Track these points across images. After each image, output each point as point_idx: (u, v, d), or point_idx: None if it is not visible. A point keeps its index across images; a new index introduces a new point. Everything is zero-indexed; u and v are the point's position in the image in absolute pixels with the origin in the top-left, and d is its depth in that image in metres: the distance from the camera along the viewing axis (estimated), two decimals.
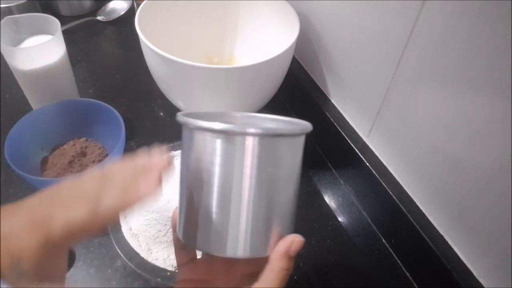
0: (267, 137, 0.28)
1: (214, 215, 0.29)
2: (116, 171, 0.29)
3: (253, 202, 0.28)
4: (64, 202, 0.27)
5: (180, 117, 0.30)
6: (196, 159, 0.29)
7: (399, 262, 0.50)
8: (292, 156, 0.30)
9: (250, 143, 0.28)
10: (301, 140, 0.31)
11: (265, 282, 0.29)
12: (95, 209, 0.26)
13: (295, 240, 0.29)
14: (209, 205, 0.29)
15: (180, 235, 0.31)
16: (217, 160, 0.28)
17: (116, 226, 0.48)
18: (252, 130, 0.27)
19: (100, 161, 0.55)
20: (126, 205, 0.27)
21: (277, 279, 0.28)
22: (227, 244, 0.29)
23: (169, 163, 0.28)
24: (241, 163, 0.28)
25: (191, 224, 0.30)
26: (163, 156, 0.28)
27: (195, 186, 0.29)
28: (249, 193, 0.28)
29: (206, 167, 0.29)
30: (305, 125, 0.31)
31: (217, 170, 0.28)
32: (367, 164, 0.51)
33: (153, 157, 0.29)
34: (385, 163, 0.51)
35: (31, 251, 0.26)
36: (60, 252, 0.28)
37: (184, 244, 0.32)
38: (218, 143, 0.28)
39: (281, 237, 0.30)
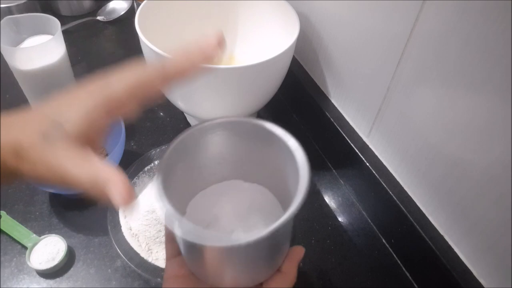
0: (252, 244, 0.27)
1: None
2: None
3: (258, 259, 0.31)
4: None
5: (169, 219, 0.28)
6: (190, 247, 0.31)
7: (399, 262, 0.50)
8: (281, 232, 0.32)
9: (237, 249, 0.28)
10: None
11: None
12: (162, 67, 0.29)
13: (302, 251, 0.36)
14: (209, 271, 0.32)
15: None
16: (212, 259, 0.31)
17: (116, 226, 0.48)
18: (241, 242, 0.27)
19: None
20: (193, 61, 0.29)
21: (291, 286, 0.34)
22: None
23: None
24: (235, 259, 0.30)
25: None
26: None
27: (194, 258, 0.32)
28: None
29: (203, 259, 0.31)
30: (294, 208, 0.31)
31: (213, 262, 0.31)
32: (367, 164, 0.51)
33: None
34: (385, 163, 0.51)
35: (86, 111, 0.26)
36: (113, 117, 0.28)
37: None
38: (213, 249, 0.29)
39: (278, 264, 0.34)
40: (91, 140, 0.27)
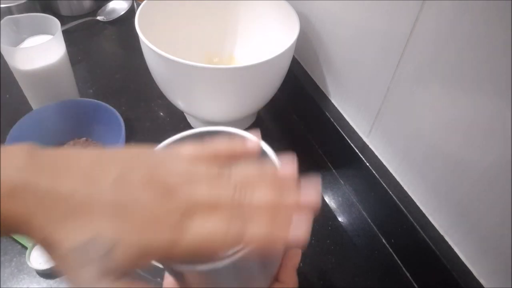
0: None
1: None
2: (254, 179, 0.23)
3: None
4: (199, 204, 0.22)
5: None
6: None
7: (399, 262, 0.50)
8: None
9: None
10: None
11: None
12: (241, 234, 0.21)
13: (298, 255, 0.31)
14: None
15: None
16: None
17: None
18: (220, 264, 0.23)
19: None
20: (274, 243, 0.22)
21: None
22: None
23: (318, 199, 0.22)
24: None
25: None
26: (314, 188, 0.23)
27: None
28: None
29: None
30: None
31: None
32: (367, 164, 0.51)
33: (305, 189, 0.23)
34: (385, 163, 0.51)
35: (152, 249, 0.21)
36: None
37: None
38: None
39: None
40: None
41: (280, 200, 0.23)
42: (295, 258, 0.30)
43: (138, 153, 0.24)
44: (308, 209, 0.23)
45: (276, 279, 0.30)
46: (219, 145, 0.26)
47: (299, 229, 0.22)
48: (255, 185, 0.23)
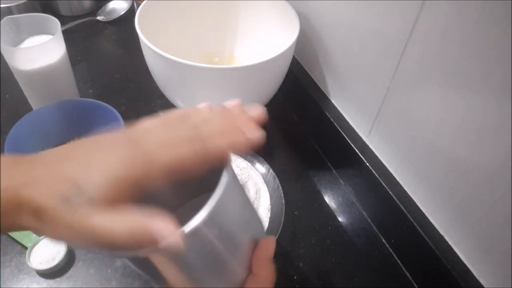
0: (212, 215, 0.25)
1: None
2: (208, 117, 0.29)
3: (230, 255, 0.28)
4: (161, 142, 0.26)
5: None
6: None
7: (399, 262, 0.50)
8: (235, 195, 0.29)
9: (203, 231, 0.25)
10: (228, 178, 0.28)
11: None
12: (204, 148, 0.26)
13: (271, 242, 0.30)
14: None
15: None
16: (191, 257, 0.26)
17: None
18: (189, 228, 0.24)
19: None
20: (235, 145, 0.27)
21: (270, 284, 0.29)
22: None
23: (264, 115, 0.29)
24: (207, 248, 0.26)
25: None
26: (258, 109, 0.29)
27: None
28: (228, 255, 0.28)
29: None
30: (226, 175, 0.27)
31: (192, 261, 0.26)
32: (367, 164, 0.51)
33: (249, 109, 0.29)
34: (385, 163, 0.51)
35: (116, 178, 0.24)
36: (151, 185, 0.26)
37: None
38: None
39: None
40: (120, 200, 0.24)
41: (233, 120, 0.29)
42: (269, 249, 0.30)
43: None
44: (258, 120, 0.30)
45: (250, 272, 0.30)
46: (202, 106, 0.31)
47: (252, 131, 0.28)
48: (208, 120, 0.29)
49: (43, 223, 0.23)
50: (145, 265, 0.27)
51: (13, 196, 0.23)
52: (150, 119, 0.30)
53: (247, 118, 0.29)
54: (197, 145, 0.26)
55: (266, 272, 0.29)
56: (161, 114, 0.30)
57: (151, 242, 0.22)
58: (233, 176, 0.28)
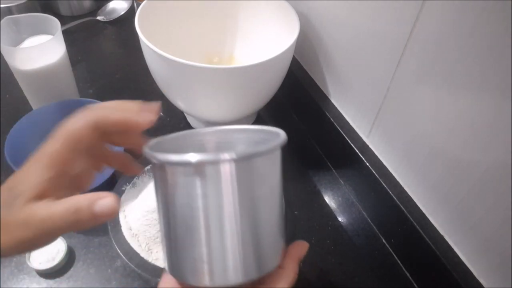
0: (243, 160, 0.26)
1: (198, 248, 0.27)
2: None
3: (238, 230, 0.27)
4: None
5: (147, 152, 0.28)
6: (170, 193, 0.28)
7: (399, 262, 0.50)
8: (271, 172, 0.29)
9: (227, 169, 0.26)
10: (278, 154, 0.29)
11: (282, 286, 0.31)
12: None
13: (304, 246, 0.33)
14: (192, 238, 0.27)
15: (167, 269, 0.30)
16: (194, 192, 0.26)
17: (116, 226, 0.48)
18: (226, 157, 0.25)
19: None
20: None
21: (291, 283, 0.31)
22: (216, 273, 0.28)
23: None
24: (219, 192, 0.26)
25: (177, 258, 0.29)
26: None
27: (175, 221, 0.28)
28: (232, 221, 0.27)
29: (182, 202, 0.27)
30: (279, 137, 0.29)
31: (195, 203, 0.27)
32: (367, 164, 0.51)
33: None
34: (385, 163, 0.51)
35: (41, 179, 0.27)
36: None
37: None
38: (192, 175, 0.26)
39: (274, 254, 0.30)
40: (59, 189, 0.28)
41: None
42: (301, 249, 0.33)
43: None
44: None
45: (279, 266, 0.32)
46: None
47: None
48: None
49: None
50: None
51: None
52: None
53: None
54: None
55: (293, 267, 0.32)
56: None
57: (90, 212, 0.26)
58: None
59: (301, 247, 0.33)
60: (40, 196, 0.26)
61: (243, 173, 0.26)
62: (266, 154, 0.28)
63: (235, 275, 0.28)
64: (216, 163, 0.26)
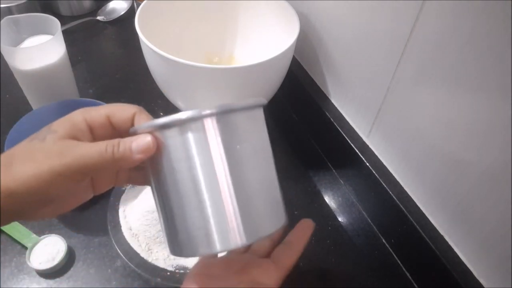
0: (224, 114, 0.27)
1: (196, 213, 0.27)
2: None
3: (230, 189, 0.27)
4: None
5: (132, 129, 0.29)
6: (159, 164, 0.28)
7: (399, 262, 0.50)
8: (255, 129, 0.30)
9: (210, 124, 0.26)
10: (259, 113, 0.30)
11: (287, 265, 0.34)
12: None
13: (310, 224, 0.37)
14: (188, 205, 0.27)
15: (169, 251, 0.30)
16: (181, 155, 0.27)
17: (116, 226, 0.48)
18: (207, 111, 0.26)
19: None
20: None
21: (295, 262, 0.34)
22: (214, 239, 0.27)
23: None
24: (207, 148, 0.26)
25: (175, 234, 0.28)
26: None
27: (167, 193, 0.28)
28: (223, 179, 0.27)
29: (172, 165, 0.27)
30: (259, 99, 0.30)
31: (184, 165, 0.27)
32: (367, 164, 0.51)
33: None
34: (385, 163, 0.51)
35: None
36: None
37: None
38: (176, 135, 0.27)
39: (275, 214, 0.30)
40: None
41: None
42: (307, 228, 0.37)
43: None
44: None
45: (283, 242, 0.34)
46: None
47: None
48: None
49: (11, 166, 0.25)
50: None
51: None
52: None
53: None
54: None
55: (299, 243, 0.35)
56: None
57: (126, 149, 0.26)
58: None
59: (309, 224, 0.36)
60: (73, 138, 0.27)
61: (225, 128, 0.27)
62: (246, 110, 0.28)
63: (234, 237, 0.27)
64: (198, 118, 0.26)
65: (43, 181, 0.25)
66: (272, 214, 0.29)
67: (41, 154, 0.25)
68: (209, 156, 0.26)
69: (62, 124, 0.27)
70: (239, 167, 0.27)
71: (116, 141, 0.27)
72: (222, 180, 0.27)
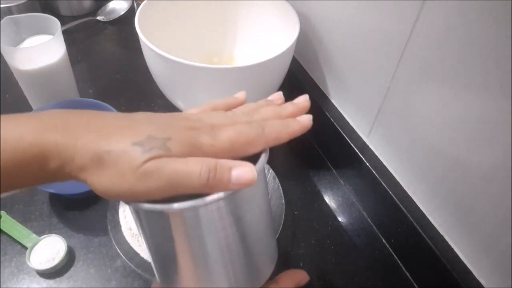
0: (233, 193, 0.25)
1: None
2: (255, 107, 0.31)
3: (229, 263, 0.28)
4: (220, 122, 0.28)
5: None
6: (155, 236, 0.27)
7: (399, 262, 0.50)
8: (260, 190, 0.29)
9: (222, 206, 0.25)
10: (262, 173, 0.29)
11: None
12: (261, 130, 0.27)
13: (304, 278, 0.34)
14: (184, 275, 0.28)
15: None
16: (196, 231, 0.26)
17: (116, 226, 0.48)
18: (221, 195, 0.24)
19: None
20: (290, 130, 0.29)
21: None
22: None
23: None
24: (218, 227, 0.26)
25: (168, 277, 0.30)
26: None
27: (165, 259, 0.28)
28: (222, 256, 0.28)
29: (170, 244, 0.27)
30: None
31: (196, 242, 0.26)
32: (367, 164, 0.51)
33: None
34: (385, 163, 0.51)
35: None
36: None
37: None
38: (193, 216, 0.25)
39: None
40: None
41: (280, 109, 0.30)
42: (302, 278, 0.34)
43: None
44: (304, 108, 0.31)
45: (273, 281, 0.32)
46: (216, 101, 0.32)
47: (304, 118, 0.30)
48: (256, 109, 0.30)
49: (102, 167, 0.23)
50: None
51: (32, 144, 0.23)
52: (192, 110, 0.31)
53: (292, 105, 0.31)
54: (255, 127, 0.27)
55: (288, 283, 0.32)
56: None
57: (224, 177, 0.23)
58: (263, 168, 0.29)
59: (299, 275, 0.33)
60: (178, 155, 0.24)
61: (234, 207, 0.26)
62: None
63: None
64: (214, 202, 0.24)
65: (123, 194, 0.24)
66: (270, 263, 0.31)
67: (132, 176, 0.23)
68: (218, 234, 0.27)
69: (177, 142, 0.24)
70: (236, 244, 0.28)
71: (212, 163, 0.23)
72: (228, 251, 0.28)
